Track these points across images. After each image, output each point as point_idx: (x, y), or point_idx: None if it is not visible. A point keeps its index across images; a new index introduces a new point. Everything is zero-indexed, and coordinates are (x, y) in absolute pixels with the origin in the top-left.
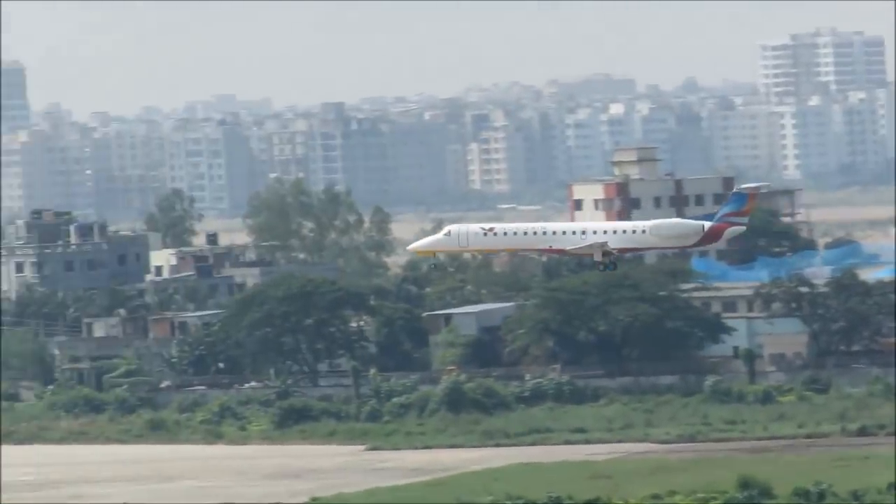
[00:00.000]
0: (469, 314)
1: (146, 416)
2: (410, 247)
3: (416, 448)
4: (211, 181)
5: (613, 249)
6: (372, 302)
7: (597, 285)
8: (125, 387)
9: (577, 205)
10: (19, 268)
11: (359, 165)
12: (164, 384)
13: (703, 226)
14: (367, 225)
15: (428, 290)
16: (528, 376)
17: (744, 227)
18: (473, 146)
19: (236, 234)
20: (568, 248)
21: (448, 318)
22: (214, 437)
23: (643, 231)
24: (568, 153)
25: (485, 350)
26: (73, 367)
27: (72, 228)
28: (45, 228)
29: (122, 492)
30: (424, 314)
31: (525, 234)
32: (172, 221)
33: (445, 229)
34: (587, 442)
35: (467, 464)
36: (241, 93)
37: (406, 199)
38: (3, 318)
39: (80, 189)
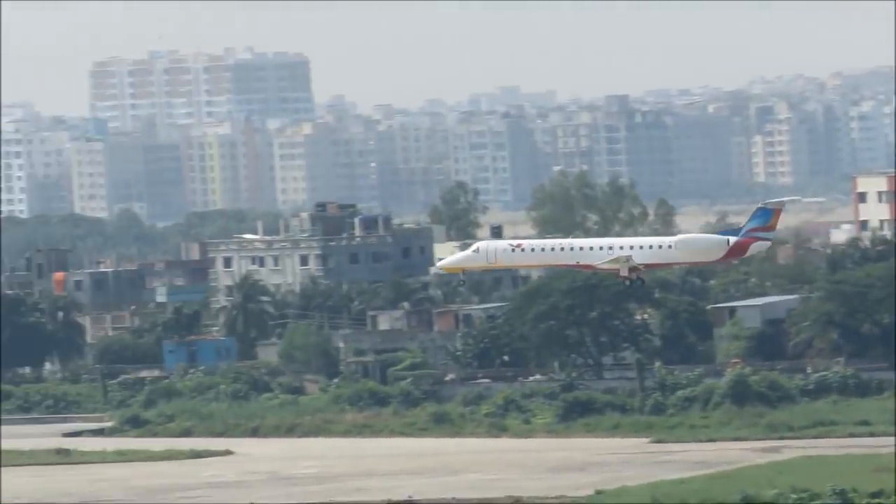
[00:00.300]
0: (753, 307)
1: (430, 410)
2: (439, 264)
3: (700, 441)
4: (495, 174)
5: (640, 265)
6: (656, 295)
7: (881, 278)
8: (410, 380)
9: (861, 197)
10: (304, 260)
11: (643, 158)
12: (448, 377)
13: (728, 240)
14: (651, 217)
15: (712, 282)
16: (811, 369)
17: (769, 242)
18: (757, 139)
19: (520, 227)
20: (595, 263)
21: (732, 310)
22: (498, 430)
23: (669, 246)
24: (852, 145)
25: (769, 343)
26: (357, 361)
27: (356, 221)
28: (330, 221)
29: (406, 485)
30: (709, 307)
31: (552, 249)
32: (456, 214)
33: (474, 246)
34: (871, 435)
35: (751, 457)
36: (525, 85)
37: (690, 192)
38: (287, 310)
39: (364, 182)
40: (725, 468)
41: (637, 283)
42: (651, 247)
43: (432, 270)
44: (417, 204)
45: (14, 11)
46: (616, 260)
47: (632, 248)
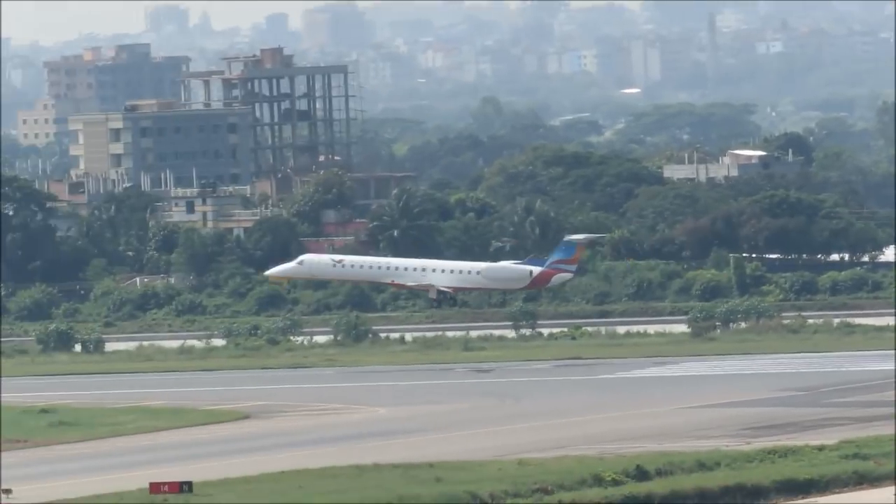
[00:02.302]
0: None
1: None
2: (267, 272)
3: None
4: None
5: (449, 288)
6: None
7: None
8: None
9: None
10: None
11: None
12: None
13: (532, 271)
14: None
15: None
16: None
17: (571, 275)
18: None
19: None
20: (408, 283)
21: None
22: None
23: (477, 272)
24: None
25: None
26: None
27: None
28: None
29: None
30: None
31: (370, 267)
32: None
33: (299, 259)
34: None
35: None
36: None
37: None
38: None
39: None
40: None
41: (448, 304)
42: (461, 272)
43: (265, 274)
44: None
45: None
46: (426, 284)
47: (443, 271)
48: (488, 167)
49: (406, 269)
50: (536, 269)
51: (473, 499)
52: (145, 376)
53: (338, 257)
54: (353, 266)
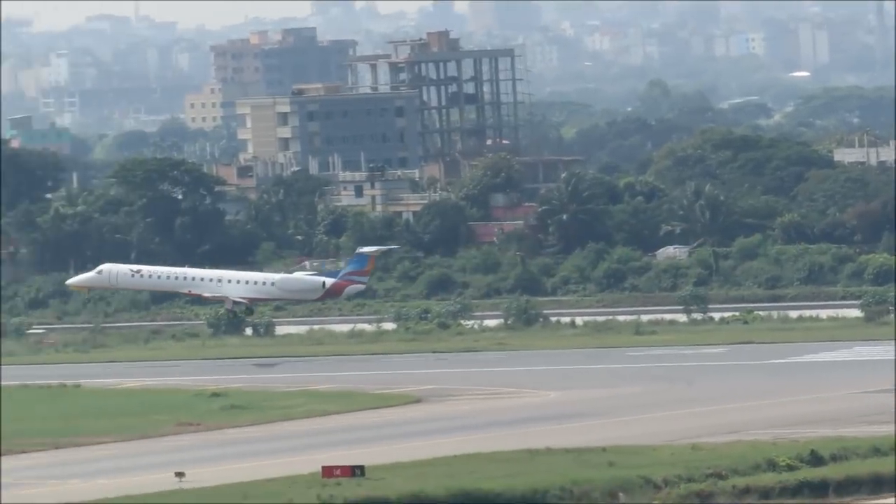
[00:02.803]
0: None
1: None
2: (68, 281)
3: None
4: None
5: (244, 299)
6: None
7: None
8: None
9: None
10: None
11: None
12: None
13: (325, 282)
14: None
15: None
16: None
17: (364, 286)
18: None
19: None
20: (204, 293)
21: None
22: None
23: (272, 283)
24: None
25: None
26: None
27: None
28: None
29: None
30: None
31: (168, 277)
32: None
33: (98, 268)
34: None
35: None
36: None
37: None
38: None
39: None
40: None
41: (243, 315)
42: (255, 283)
43: (66, 283)
44: None
45: None
46: (221, 295)
47: (238, 282)
48: (656, 150)
49: (202, 279)
50: (329, 281)
51: (646, 483)
52: (316, 360)
53: (136, 267)
54: (150, 276)
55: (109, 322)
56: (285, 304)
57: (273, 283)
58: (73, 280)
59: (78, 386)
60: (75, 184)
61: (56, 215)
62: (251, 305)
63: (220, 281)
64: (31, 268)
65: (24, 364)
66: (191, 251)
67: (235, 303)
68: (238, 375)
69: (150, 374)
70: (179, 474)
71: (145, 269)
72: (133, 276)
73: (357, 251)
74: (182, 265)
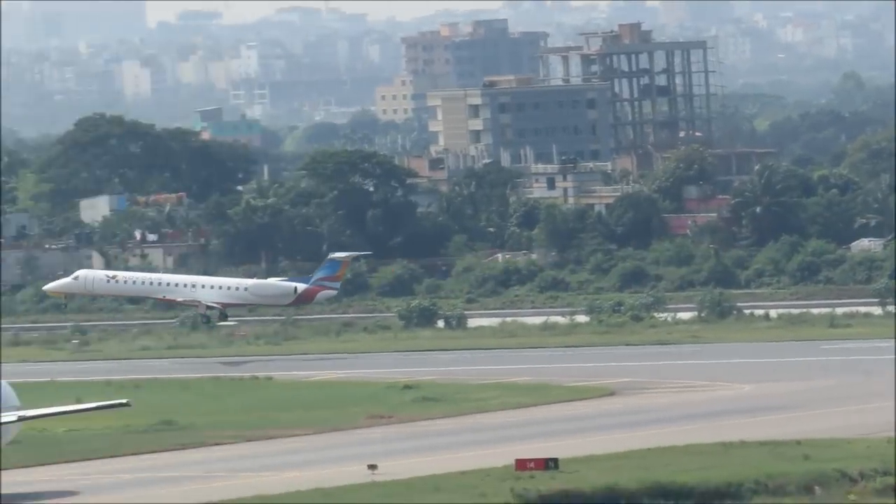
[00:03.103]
0: None
1: None
2: (45, 287)
3: None
4: None
5: (217, 304)
6: None
7: None
8: None
9: None
10: None
11: None
12: None
13: (297, 288)
14: None
15: None
16: None
17: (335, 291)
18: None
19: None
20: (178, 298)
21: None
22: None
23: (245, 289)
24: None
25: None
26: None
27: None
28: None
29: None
30: None
31: (143, 283)
32: None
33: (75, 274)
34: None
35: None
36: None
37: None
38: None
39: None
40: None
41: (217, 321)
42: (229, 288)
43: (43, 288)
44: None
45: None
46: (194, 300)
47: (212, 287)
48: (850, 143)
49: (177, 284)
50: (301, 286)
51: (842, 477)
52: (508, 352)
53: (112, 273)
54: (126, 282)
55: (301, 315)
56: (257, 308)
57: (246, 289)
58: (51, 286)
59: (270, 378)
60: (266, 176)
61: (247, 207)
62: (223, 310)
63: (193, 286)
64: (221, 260)
65: (215, 357)
66: (382, 243)
67: (208, 307)
68: (430, 368)
69: (341, 366)
70: (372, 467)
71: (121, 274)
72: (108, 281)
73: (329, 257)
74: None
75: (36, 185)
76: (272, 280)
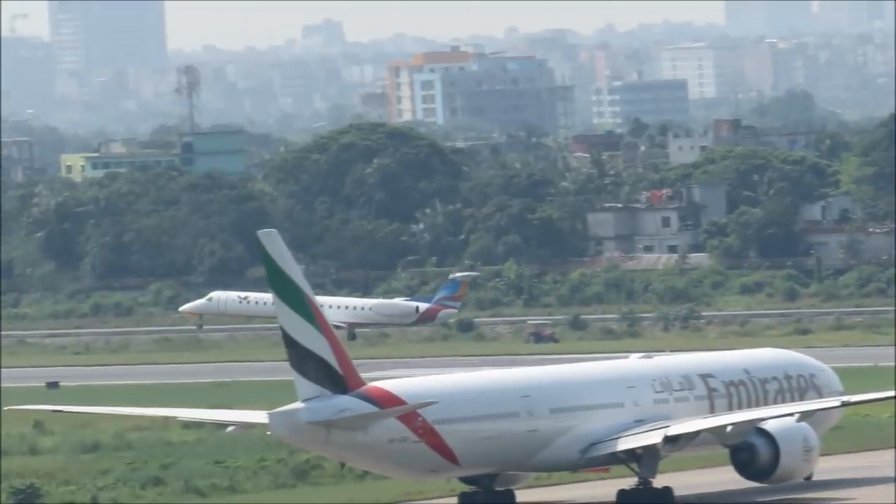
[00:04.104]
0: None
1: None
2: (181, 308)
3: None
4: None
5: (343, 323)
6: None
7: None
8: None
9: None
10: None
11: None
12: None
13: (418, 307)
14: None
15: None
16: None
17: (456, 310)
18: None
19: None
20: None
21: None
22: None
23: (369, 308)
24: None
25: None
26: None
27: None
28: None
29: None
30: None
31: (273, 304)
32: None
33: (209, 295)
34: None
35: None
36: None
37: None
38: None
39: None
40: None
41: (350, 339)
42: (354, 308)
43: (179, 310)
44: None
45: None
46: None
47: (338, 307)
48: None
49: None
50: (423, 306)
51: None
52: None
53: (244, 294)
54: (257, 302)
55: None
56: (382, 328)
57: (370, 308)
58: (185, 307)
59: None
60: None
61: None
62: (351, 329)
63: (321, 306)
64: None
65: None
66: None
67: (336, 327)
68: None
69: None
70: None
71: (252, 295)
72: (240, 302)
73: (450, 277)
74: None
75: (859, 169)
76: (396, 300)
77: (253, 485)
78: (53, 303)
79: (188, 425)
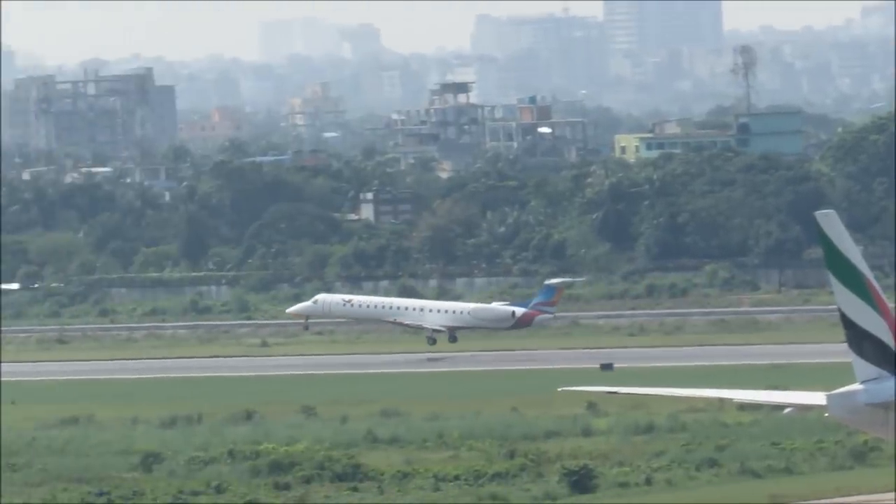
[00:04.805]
0: None
1: None
2: (288, 310)
3: None
4: None
5: (442, 327)
6: None
7: None
8: None
9: None
10: None
11: None
12: None
13: (514, 312)
14: None
15: None
16: None
17: (552, 315)
18: None
19: None
20: (406, 322)
21: None
22: None
23: (467, 313)
24: None
25: None
26: None
27: None
28: None
29: None
30: None
31: (376, 307)
32: None
33: (314, 298)
34: None
35: None
36: None
37: None
38: None
39: None
40: None
41: (451, 341)
42: (453, 312)
43: (286, 311)
44: None
45: None
46: (421, 323)
47: (438, 311)
48: None
49: (406, 308)
50: (520, 311)
51: None
52: None
53: (348, 297)
54: (360, 305)
55: None
56: (479, 331)
57: (468, 312)
58: (292, 309)
59: None
60: None
61: None
62: (452, 333)
63: (421, 310)
64: None
65: None
66: None
67: (435, 330)
68: None
69: None
70: None
71: (356, 298)
72: (345, 305)
73: (545, 283)
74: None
75: None
76: (493, 304)
77: (809, 467)
78: (608, 284)
79: (744, 407)
